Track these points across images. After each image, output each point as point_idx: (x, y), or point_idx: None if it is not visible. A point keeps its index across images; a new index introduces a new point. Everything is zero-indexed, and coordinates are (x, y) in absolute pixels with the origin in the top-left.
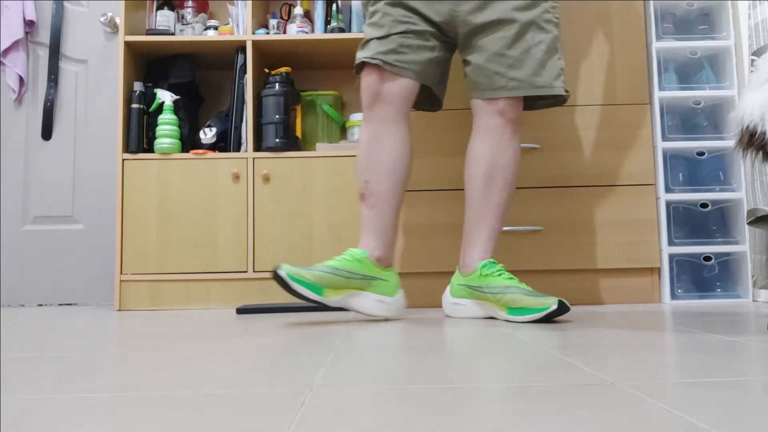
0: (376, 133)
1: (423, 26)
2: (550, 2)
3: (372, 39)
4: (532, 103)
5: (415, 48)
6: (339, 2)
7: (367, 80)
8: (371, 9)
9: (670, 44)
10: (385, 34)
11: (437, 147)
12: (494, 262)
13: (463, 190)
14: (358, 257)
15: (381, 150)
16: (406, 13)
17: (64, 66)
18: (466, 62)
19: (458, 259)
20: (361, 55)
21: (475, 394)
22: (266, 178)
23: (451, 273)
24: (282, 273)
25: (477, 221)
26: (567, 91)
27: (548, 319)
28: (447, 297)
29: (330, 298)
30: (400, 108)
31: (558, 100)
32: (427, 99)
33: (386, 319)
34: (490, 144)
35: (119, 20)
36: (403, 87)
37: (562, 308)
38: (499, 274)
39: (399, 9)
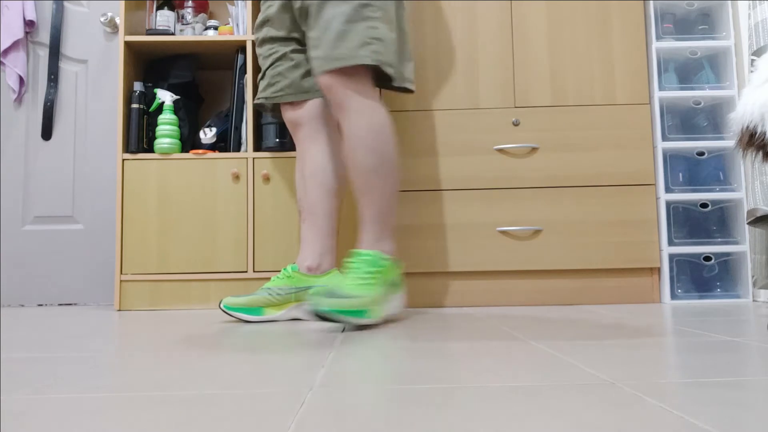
0: (299, 155)
1: (283, 49)
2: None
3: (260, 83)
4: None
5: (284, 72)
6: None
7: (284, 116)
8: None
9: (670, 44)
10: (262, 75)
11: (435, 147)
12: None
13: (462, 190)
14: (288, 273)
15: (303, 167)
16: (268, 46)
17: (64, 66)
18: None
19: (456, 259)
20: (255, 100)
21: (475, 394)
22: (266, 178)
23: (451, 273)
24: (221, 306)
25: (361, 203)
26: (380, 62)
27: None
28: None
29: (275, 314)
30: (314, 126)
31: (400, 79)
32: None
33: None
34: (343, 128)
35: (119, 20)
36: (307, 109)
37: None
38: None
39: (263, 46)
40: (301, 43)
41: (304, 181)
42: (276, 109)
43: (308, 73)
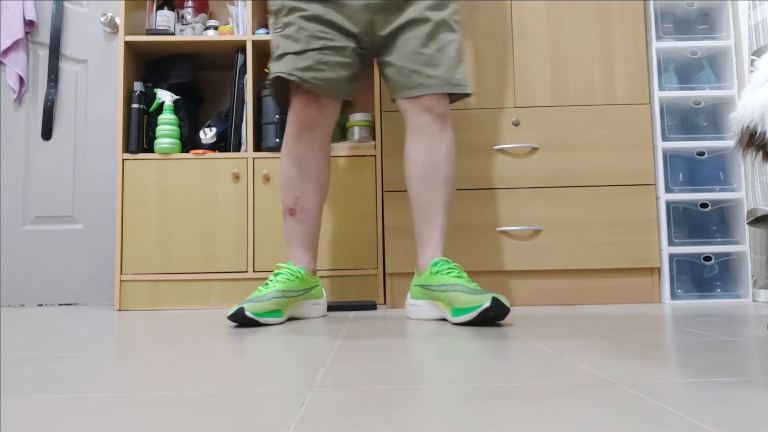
0: (306, 154)
1: (341, 42)
2: (455, 4)
3: (288, 53)
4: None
5: (333, 65)
6: None
7: (305, 109)
8: (284, 20)
9: (670, 44)
10: (301, 50)
11: None
12: (447, 261)
13: (462, 190)
14: (299, 275)
15: (311, 170)
16: (323, 28)
17: (64, 66)
18: (384, 64)
19: (458, 258)
20: (277, 69)
21: (475, 394)
22: (266, 178)
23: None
24: (250, 314)
25: (424, 222)
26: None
27: (484, 318)
28: (407, 299)
29: (284, 316)
30: (329, 133)
31: (462, 97)
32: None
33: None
34: (422, 144)
35: (119, 20)
36: (333, 114)
37: (497, 306)
38: (449, 272)
39: (315, 24)
40: (362, 47)
41: (308, 183)
42: (283, 87)
43: (350, 79)
